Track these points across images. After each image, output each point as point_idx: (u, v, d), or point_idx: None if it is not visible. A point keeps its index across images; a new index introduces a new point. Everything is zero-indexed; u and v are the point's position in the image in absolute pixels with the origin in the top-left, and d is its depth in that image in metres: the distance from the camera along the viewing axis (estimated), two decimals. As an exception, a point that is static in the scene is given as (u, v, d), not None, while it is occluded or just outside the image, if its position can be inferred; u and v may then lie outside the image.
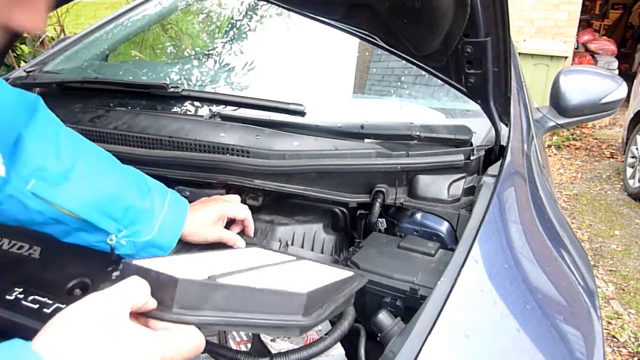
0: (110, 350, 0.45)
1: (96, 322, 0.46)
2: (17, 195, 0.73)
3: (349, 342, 0.76)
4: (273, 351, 0.72)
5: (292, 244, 0.99)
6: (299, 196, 1.05)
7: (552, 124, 1.56)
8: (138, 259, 0.57)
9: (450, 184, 0.98)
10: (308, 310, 0.55)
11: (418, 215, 0.96)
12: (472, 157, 0.98)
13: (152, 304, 0.50)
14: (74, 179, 0.76)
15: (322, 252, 1.01)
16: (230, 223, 0.95)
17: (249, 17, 1.88)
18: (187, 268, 0.60)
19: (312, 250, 1.01)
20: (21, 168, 0.73)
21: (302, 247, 1.00)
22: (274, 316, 0.53)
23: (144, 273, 0.52)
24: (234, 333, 0.79)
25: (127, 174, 0.84)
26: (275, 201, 1.10)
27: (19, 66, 3.16)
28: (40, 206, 0.74)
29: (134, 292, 0.49)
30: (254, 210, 0.99)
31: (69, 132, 0.82)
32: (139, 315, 0.51)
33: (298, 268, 0.72)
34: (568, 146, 5.67)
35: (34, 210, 0.75)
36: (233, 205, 0.93)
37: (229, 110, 1.17)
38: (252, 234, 0.97)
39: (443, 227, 0.94)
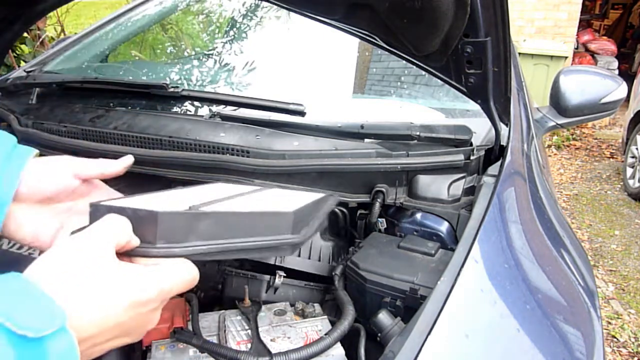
0: (105, 285, 0.43)
1: (86, 262, 0.43)
2: None
3: (349, 342, 0.76)
4: (273, 351, 0.72)
5: None
6: (299, 196, 1.05)
7: (552, 124, 1.56)
8: (104, 200, 0.53)
9: (450, 184, 0.98)
10: (296, 228, 0.55)
11: (418, 215, 0.96)
12: (472, 157, 0.98)
13: (135, 241, 0.48)
14: None
15: (319, 260, 1.01)
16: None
17: (249, 17, 1.88)
18: (163, 202, 0.56)
19: (309, 258, 1.00)
20: None
21: (299, 255, 1.00)
22: (264, 237, 0.52)
23: (118, 212, 0.49)
24: (234, 333, 0.79)
25: None
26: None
27: (19, 66, 3.16)
28: None
29: (115, 230, 0.46)
30: None
31: None
32: (123, 256, 0.47)
33: (271, 194, 0.71)
34: (568, 146, 5.67)
35: None
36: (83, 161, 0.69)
37: (229, 110, 1.16)
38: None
39: (443, 227, 0.94)
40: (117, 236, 0.46)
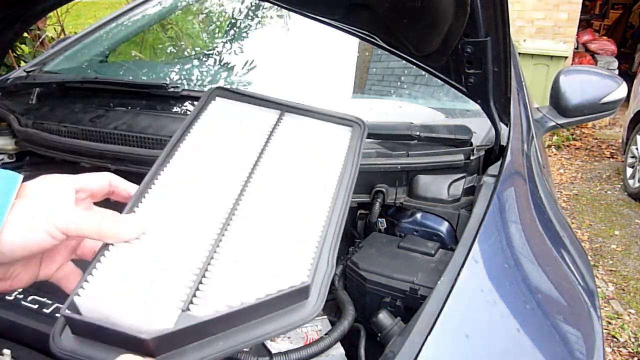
0: None
1: None
2: None
3: (349, 342, 0.76)
4: (273, 351, 0.72)
5: None
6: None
7: (552, 124, 1.56)
8: (81, 298, 0.44)
9: (450, 184, 0.98)
10: (315, 295, 0.49)
11: (418, 215, 0.96)
12: (472, 157, 0.98)
13: None
14: None
15: None
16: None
17: (249, 17, 1.88)
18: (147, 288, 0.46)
19: None
20: None
21: None
22: (278, 320, 0.46)
23: (98, 330, 0.42)
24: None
25: None
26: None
27: (19, 66, 3.16)
28: None
29: None
30: None
31: None
32: None
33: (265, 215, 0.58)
34: (568, 146, 5.67)
35: None
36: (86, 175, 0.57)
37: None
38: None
39: (443, 227, 0.94)
40: None
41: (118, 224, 0.50)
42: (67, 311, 0.43)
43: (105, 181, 0.56)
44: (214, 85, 0.75)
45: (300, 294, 0.48)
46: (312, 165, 0.64)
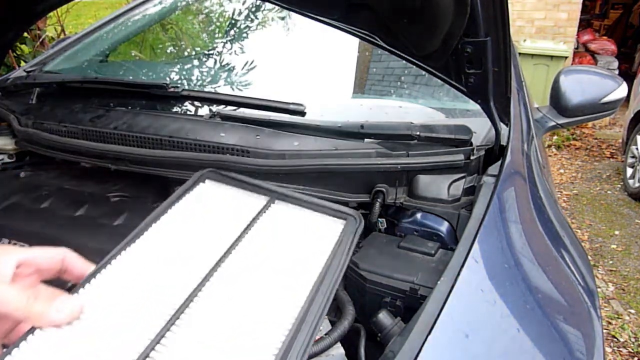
0: None
1: None
2: None
3: (349, 342, 0.76)
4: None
5: None
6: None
7: (552, 124, 1.56)
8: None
9: (450, 183, 0.98)
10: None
11: (418, 215, 0.96)
12: (472, 157, 0.98)
13: None
14: None
15: None
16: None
17: (249, 17, 1.88)
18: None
19: None
20: None
21: None
22: None
23: None
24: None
25: None
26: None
27: (19, 66, 3.16)
28: None
29: None
30: None
31: None
32: None
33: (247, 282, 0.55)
34: (568, 146, 5.67)
35: None
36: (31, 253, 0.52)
37: (229, 110, 1.16)
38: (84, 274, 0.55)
39: (443, 227, 0.94)
40: None
41: (48, 307, 0.46)
42: None
43: (57, 258, 0.52)
44: (204, 171, 0.72)
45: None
46: (293, 256, 0.58)
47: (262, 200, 0.67)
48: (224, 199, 0.66)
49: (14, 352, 0.42)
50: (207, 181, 0.68)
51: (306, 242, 0.61)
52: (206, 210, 0.63)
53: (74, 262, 0.53)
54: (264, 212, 0.64)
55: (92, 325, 0.45)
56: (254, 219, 0.62)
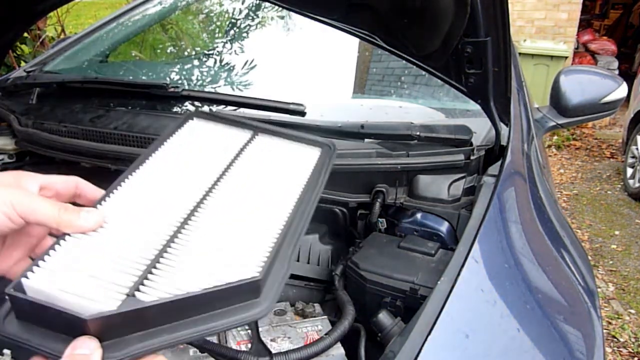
0: None
1: None
2: None
3: (349, 342, 0.76)
4: (273, 351, 0.72)
5: None
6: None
7: (552, 124, 1.56)
8: (29, 280, 0.44)
9: (451, 184, 0.98)
10: (266, 292, 0.48)
11: (418, 215, 0.96)
12: (472, 157, 0.98)
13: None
14: None
15: (318, 265, 1.01)
16: None
17: (249, 17, 1.88)
18: (97, 279, 0.46)
19: (308, 263, 1.00)
20: None
21: (298, 260, 1.00)
22: (225, 317, 0.45)
23: (41, 310, 0.42)
24: (234, 332, 0.79)
25: None
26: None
27: (19, 66, 3.16)
28: None
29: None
30: None
31: None
32: None
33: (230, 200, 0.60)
34: (568, 146, 5.67)
35: None
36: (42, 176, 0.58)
37: (229, 110, 1.16)
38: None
39: (443, 227, 0.94)
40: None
41: (77, 214, 0.51)
42: (11, 290, 0.43)
43: (71, 183, 0.58)
44: (192, 111, 0.80)
45: (251, 290, 0.46)
46: (277, 178, 0.66)
47: (247, 133, 0.74)
48: (213, 132, 0.74)
49: (47, 258, 0.47)
50: (195, 119, 0.76)
51: (288, 166, 0.69)
52: (197, 143, 0.70)
53: (86, 187, 0.59)
54: (249, 143, 0.72)
55: (113, 232, 0.52)
56: (241, 149, 0.70)
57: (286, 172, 0.67)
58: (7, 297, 0.43)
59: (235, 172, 0.65)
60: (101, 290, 0.44)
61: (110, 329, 0.42)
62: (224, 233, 0.54)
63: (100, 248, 0.49)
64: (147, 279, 0.46)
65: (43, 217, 0.49)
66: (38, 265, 0.46)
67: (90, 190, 0.58)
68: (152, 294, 0.44)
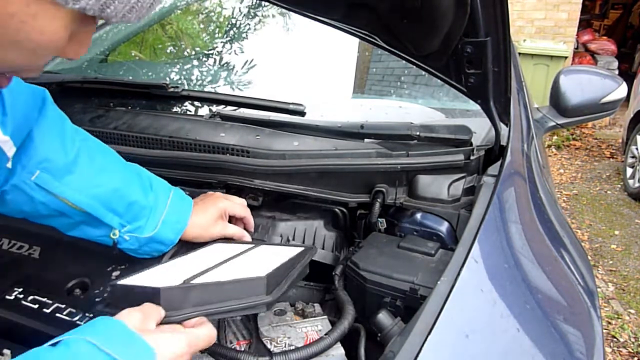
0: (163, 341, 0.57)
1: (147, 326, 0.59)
2: (21, 185, 0.74)
3: (349, 342, 0.76)
4: (273, 351, 0.72)
5: (293, 239, 0.99)
6: (299, 196, 1.05)
7: (552, 124, 1.56)
8: (123, 278, 0.69)
9: (450, 184, 0.98)
10: (270, 289, 0.66)
11: (418, 215, 0.96)
12: (472, 157, 0.98)
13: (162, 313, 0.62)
14: (78, 172, 0.77)
15: (323, 248, 1.01)
16: (229, 220, 0.95)
17: (249, 17, 1.88)
18: (165, 277, 0.69)
19: (314, 245, 1.00)
20: (27, 160, 0.74)
21: (304, 242, 1.00)
22: (242, 300, 0.64)
23: (130, 290, 0.65)
24: (234, 332, 0.79)
25: (130, 170, 0.86)
26: (275, 201, 1.10)
27: (19, 66, 3.15)
28: (44, 198, 0.75)
29: (152, 310, 0.62)
30: (253, 210, 0.99)
31: (73, 126, 0.83)
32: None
33: (257, 254, 0.83)
34: (568, 146, 5.67)
35: (38, 202, 0.75)
36: (232, 203, 0.93)
37: (229, 110, 1.17)
38: (252, 230, 0.98)
39: (443, 227, 0.94)
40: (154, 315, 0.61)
41: (241, 232, 0.94)
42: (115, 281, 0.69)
43: (244, 205, 0.96)
44: None
45: (257, 283, 0.65)
46: (266, 262, 0.78)
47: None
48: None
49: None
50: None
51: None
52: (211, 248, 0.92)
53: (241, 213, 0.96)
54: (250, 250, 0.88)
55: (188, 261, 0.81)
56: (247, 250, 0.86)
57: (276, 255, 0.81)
58: (109, 287, 0.72)
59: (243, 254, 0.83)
60: (168, 279, 0.67)
61: (173, 300, 0.62)
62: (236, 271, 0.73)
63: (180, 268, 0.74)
64: (194, 279, 0.66)
65: (230, 234, 0.94)
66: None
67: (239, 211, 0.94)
68: (196, 282, 0.65)
